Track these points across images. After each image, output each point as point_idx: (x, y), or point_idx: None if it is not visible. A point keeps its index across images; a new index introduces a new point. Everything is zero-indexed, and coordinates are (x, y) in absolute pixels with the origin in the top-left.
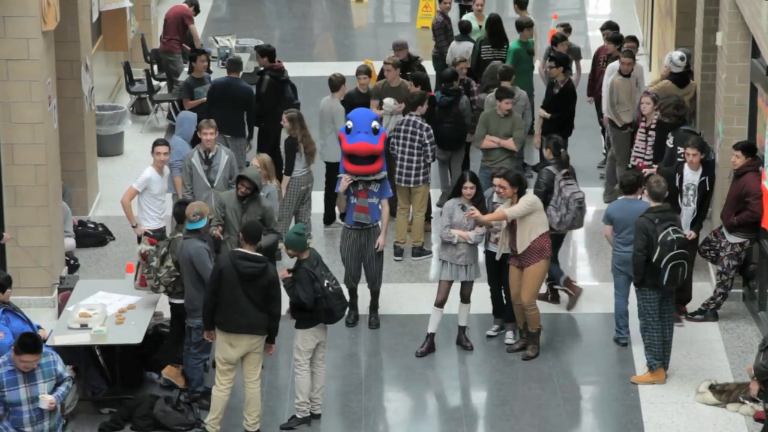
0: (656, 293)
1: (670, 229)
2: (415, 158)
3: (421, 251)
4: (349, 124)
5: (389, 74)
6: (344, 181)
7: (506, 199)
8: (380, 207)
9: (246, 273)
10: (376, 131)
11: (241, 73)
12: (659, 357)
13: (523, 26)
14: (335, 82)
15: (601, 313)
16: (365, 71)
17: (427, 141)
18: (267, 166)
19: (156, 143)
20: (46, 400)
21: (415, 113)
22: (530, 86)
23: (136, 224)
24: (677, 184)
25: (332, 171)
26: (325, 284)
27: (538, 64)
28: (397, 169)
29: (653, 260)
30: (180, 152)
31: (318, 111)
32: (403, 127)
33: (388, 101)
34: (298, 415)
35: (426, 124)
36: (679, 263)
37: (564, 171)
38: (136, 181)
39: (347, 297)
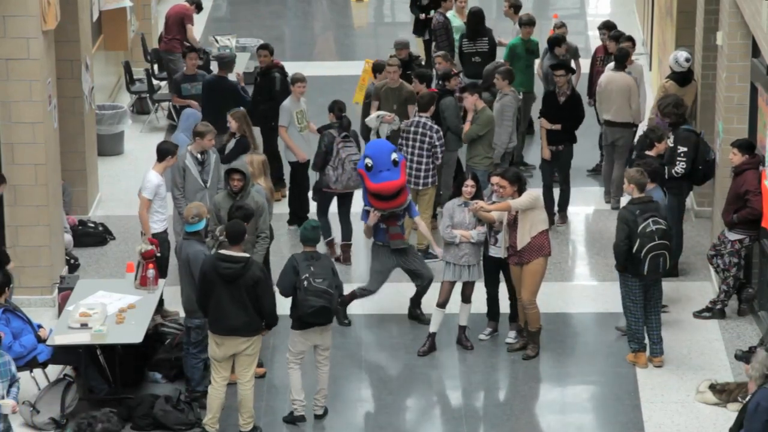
0: (638, 280)
1: (650, 220)
2: (424, 160)
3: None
4: (369, 162)
5: (394, 75)
6: (373, 216)
7: (506, 198)
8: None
9: (224, 274)
10: (396, 163)
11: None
12: (639, 342)
13: (523, 23)
14: (291, 79)
15: (600, 313)
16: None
17: (437, 143)
18: (254, 164)
19: (175, 146)
20: (9, 405)
21: (426, 114)
22: (530, 85)
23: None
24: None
25: (295, 171)
26: (303, 277)
27: (536, 63)
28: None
29: (634, 251)
30: None
31: (318, 109)
32: (412, 128)
33: (371, 120)
34: (294, 412)
35: (436, 126)
36: (659, 253)
37: (344, 134)
38: (145, 190)
39: (355, 300)
